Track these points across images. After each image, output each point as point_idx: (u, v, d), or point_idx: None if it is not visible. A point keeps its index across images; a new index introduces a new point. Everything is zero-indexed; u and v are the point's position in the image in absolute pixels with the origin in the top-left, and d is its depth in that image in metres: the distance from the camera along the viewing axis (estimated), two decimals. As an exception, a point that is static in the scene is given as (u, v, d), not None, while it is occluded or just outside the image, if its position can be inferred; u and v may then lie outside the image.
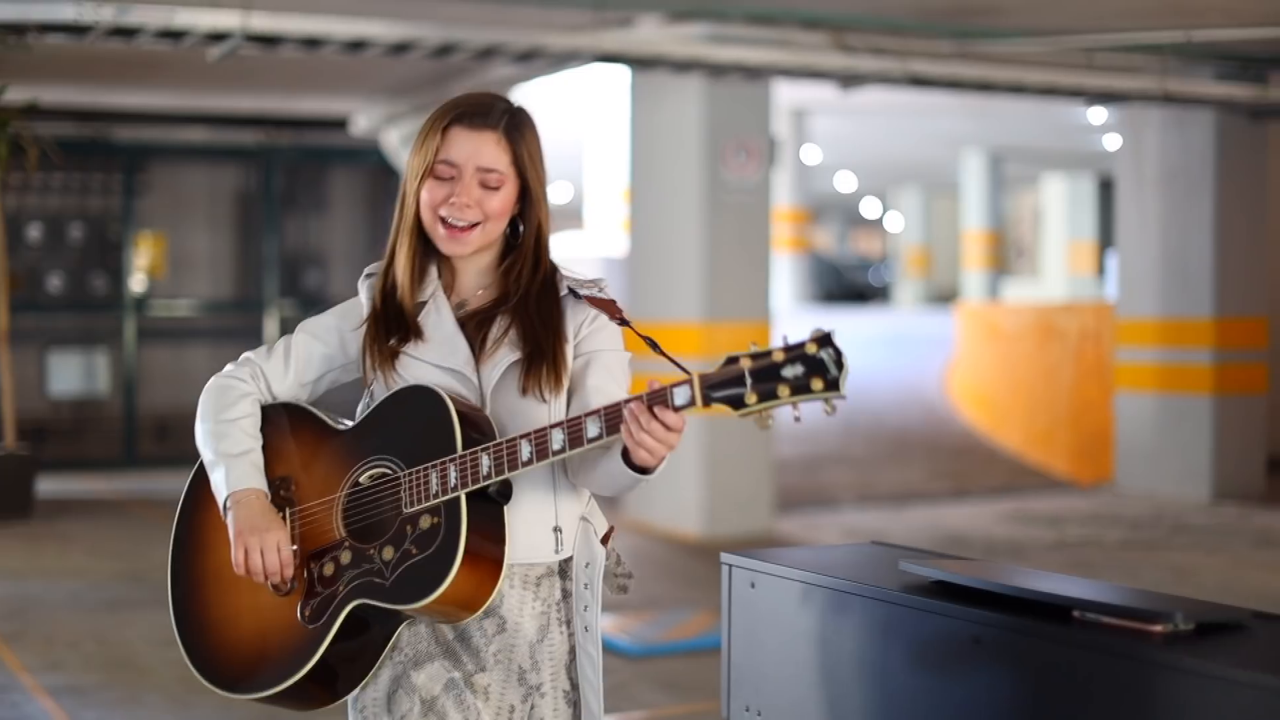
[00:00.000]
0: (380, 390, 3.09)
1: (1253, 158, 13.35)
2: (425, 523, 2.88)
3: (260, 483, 3.08)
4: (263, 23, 9.24)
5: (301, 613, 2.97)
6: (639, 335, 3.02)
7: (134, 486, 14.14)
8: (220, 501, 3.07)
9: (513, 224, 3.12)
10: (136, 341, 15.54)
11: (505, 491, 2.91)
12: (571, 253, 24.57)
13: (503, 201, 3.06)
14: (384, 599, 2.88)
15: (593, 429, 2.78)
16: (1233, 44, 11.87)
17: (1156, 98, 12.26)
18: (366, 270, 3.23)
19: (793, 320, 20.89)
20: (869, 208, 45.10)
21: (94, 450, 15.47)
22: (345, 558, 2.95)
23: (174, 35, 9.33)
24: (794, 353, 2.61)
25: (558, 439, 2.81)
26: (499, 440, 2.86)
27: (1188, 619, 2.51)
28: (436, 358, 3.05)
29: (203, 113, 16.01)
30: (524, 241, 3.12)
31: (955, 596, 2.84)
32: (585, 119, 19.43)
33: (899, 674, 2.91)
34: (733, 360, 2.66)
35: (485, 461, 2.85)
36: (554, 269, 3.16)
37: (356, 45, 9.84)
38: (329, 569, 2.97)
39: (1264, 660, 2.39)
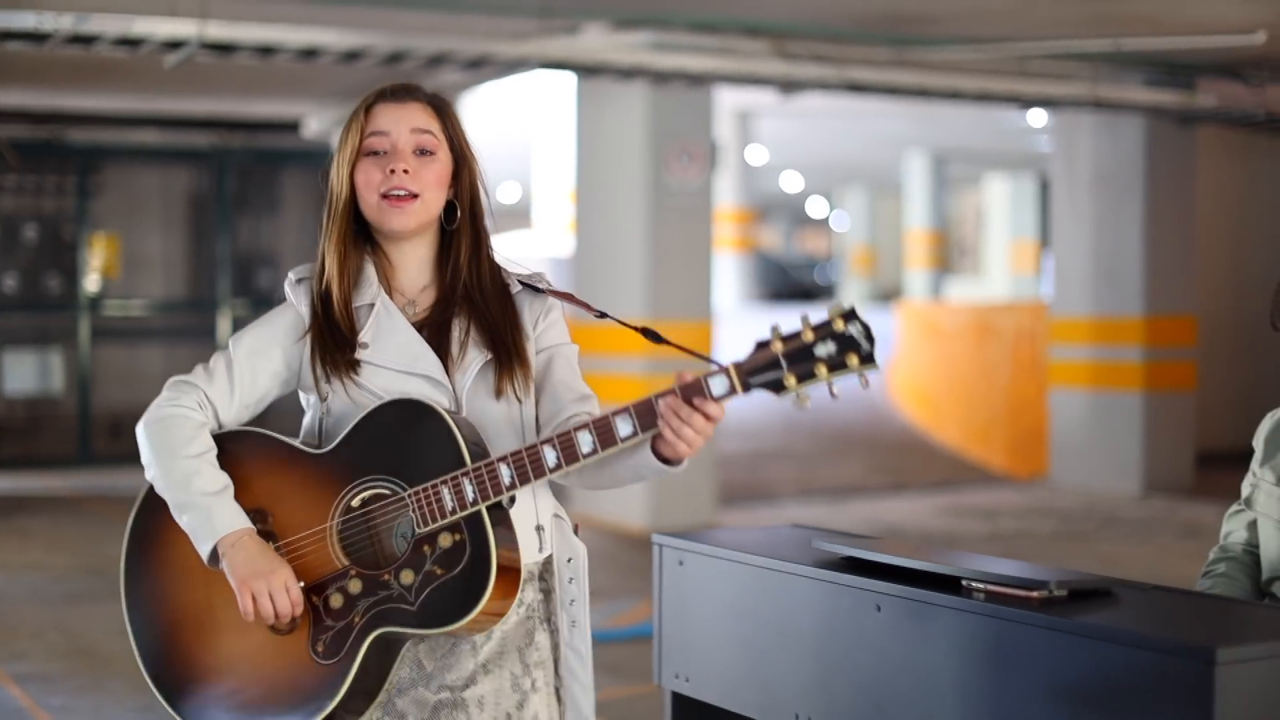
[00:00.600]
0: (342, 404, 2.94)
1: (1181, 162, 13.76)
2: (446, 541, 2.79)
3: (246, 521, 2.90)
4: (218, 31, 9.51)
5: (314, 648, 2.84)
6: (636, 330, 2.98)
7: (89, 484, 14.37)
8: (207, 549, 2.88)
9: (448, 212, 3.04)
10: (91, 341, 15.74)
11: (512, 498, 2.84)
12: (519, 252, 24.81)
13: (438, 174, 2.99)
14: (412, 624, 2.78)
15: (624, 427, 2.73)
16: (1161, 52, 12.25)
17: (1087, 104, 12.65)
18: (294, 275, 3.06)
19: (738, 319, 21.24)
20: (815, 207, 45.52)
21: (49, 449, 15.67)
22: (355, 587, 2.82)
23: (131, 43, 9.58)
24: (824, 331, 2.62)
25: (586, 441, 2.74)
26: (518, 449, 2.78)
27: (1061, 586, 2.84)
28: (402, 364, 2.93)
29: (156, 115, 16.22)
30: (460, 221, 3.04)
31: (860, 570, 3.16)
32: (533, 121, 19.71)
33: (811, 639, 3.23)
34: (763, 345, 2.65)
35: (505, 472, 2.76)
36: (497, 265, 3.10)
37: (309, 53, 10.11)
38: (336, 600, 2.84)
39: (1124, 619, 2.72)
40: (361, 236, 3.04)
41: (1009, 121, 21.37)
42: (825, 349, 2.61)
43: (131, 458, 12.46)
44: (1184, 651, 2.47)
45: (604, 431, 2.73)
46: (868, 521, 11.84)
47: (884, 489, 13.82)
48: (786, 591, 3.30)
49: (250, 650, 2.88)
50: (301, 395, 3.06)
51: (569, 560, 3.02)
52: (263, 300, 16.07)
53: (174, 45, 9.69)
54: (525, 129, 20.24)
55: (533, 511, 2.99)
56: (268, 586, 2.83)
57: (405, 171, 2.94)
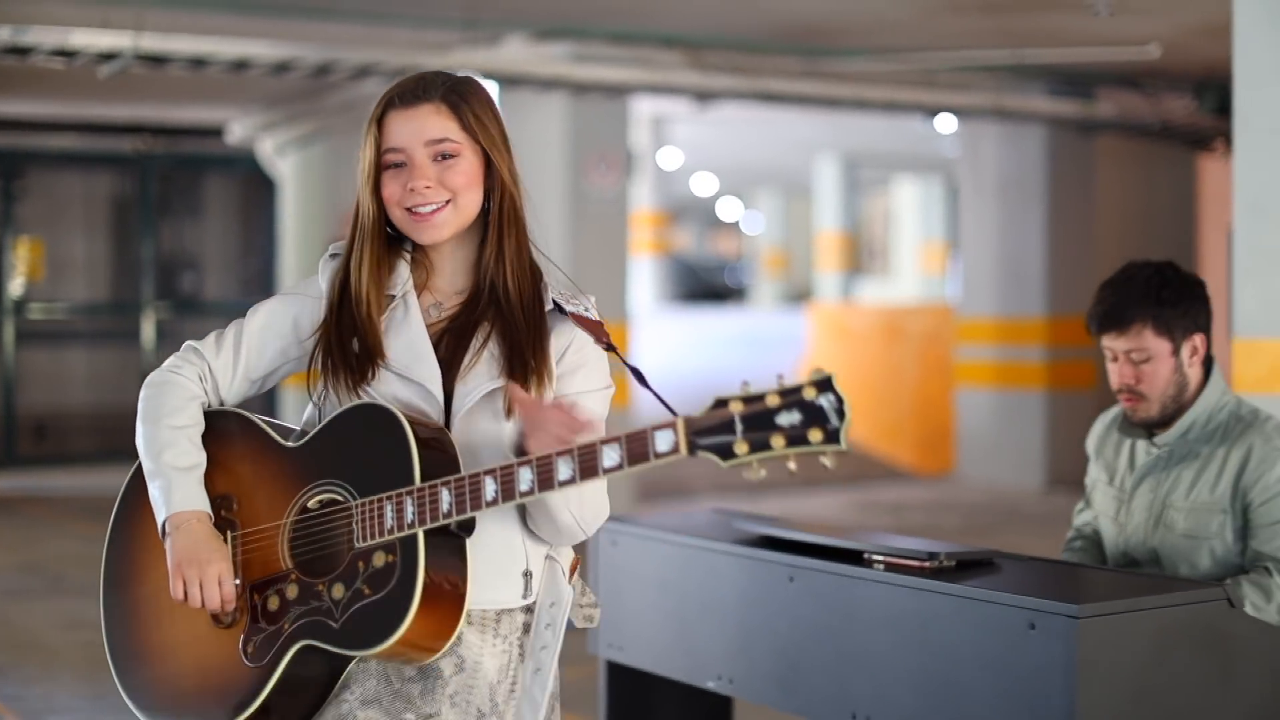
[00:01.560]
0: (333, 400, 2.82)
1: (1081, 169, 14.29)
2: (379, 560, 2.64)
3: (204, 503, 2.80)
4: (153, 43, 9.80)
5: (244, 649, 2.73)
6: (625, 364, 2.84)
7: (14, 485, 14.56)
8: (160, 521, 2.80)
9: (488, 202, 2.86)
10: (15, 344, 15.93)
11: (468, 525, 2.68)
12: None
13: (466, 173, 2.80)
14: (333, 642, 2.66)
15: (564, 471, 2.54)
16: (1062, 65, 12.77)
17: (991, 113, 13.14)
18: (331, 249, 2.93)
19: (654, 321, 21.66)
20: (726, 209, 46.01)
21: (-27, 451, 15.89)
22: (291, 592, 2.71)
23: (68, 54, 9.86)
24: (790, 398, 2.40)
25: (525, 478, 2.57)
26: (461, 474, 2.62)
27: (950, 557, 3.26)
28: (400, 365, 2.79)
29: (80, 121, 16.43)
30: (492, 219, 2.85)
31: (775, 547, 3.57)
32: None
33: (731, 609, 3.63)
34: (722, 403, 2.44)
35: (445, 497, 2.61)
36: (539, 273, 2.91)
37: (240, 65, 10.42)
38: (274, 603, 2.72)
39: (1002, 583, 3.14)
40: (397, 238, 2.89)
41: (917, 127, 21.88)
42: (788, 418, 2.39)
43: (55, 459, 12.68)
44: (1052, 607, 2.89)
45: (543, 472, 2.56)
46: (781, 515, 12.24)
47: (796, 485, 14.26)
48: (709, 567, 3.70)
49: (192, 637, 2.78)
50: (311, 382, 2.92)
51: (550, 605, 2.82)
52: (186, 303, 16.37)
53: (109, 57, 9.98)
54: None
55: (521, 554, 2.80)
56: (199, 575, 2.73)
57: (427, 187, 2.77)
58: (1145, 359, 3.83)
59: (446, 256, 2.87)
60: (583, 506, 2.74)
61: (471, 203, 2.81)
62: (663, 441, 2.46)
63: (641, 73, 11.57)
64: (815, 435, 2.37)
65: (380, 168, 2.80)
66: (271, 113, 15.27)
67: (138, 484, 2.87)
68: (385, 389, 2.77)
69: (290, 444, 2.79)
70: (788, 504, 13.04)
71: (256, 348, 2.91)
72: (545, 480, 2.55)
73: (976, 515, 12.53)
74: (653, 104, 19.48)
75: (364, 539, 2.65)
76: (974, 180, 14.61)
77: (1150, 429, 3.92)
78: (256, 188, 16.99)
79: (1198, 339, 3.88)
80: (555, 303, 2.86)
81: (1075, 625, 2.84)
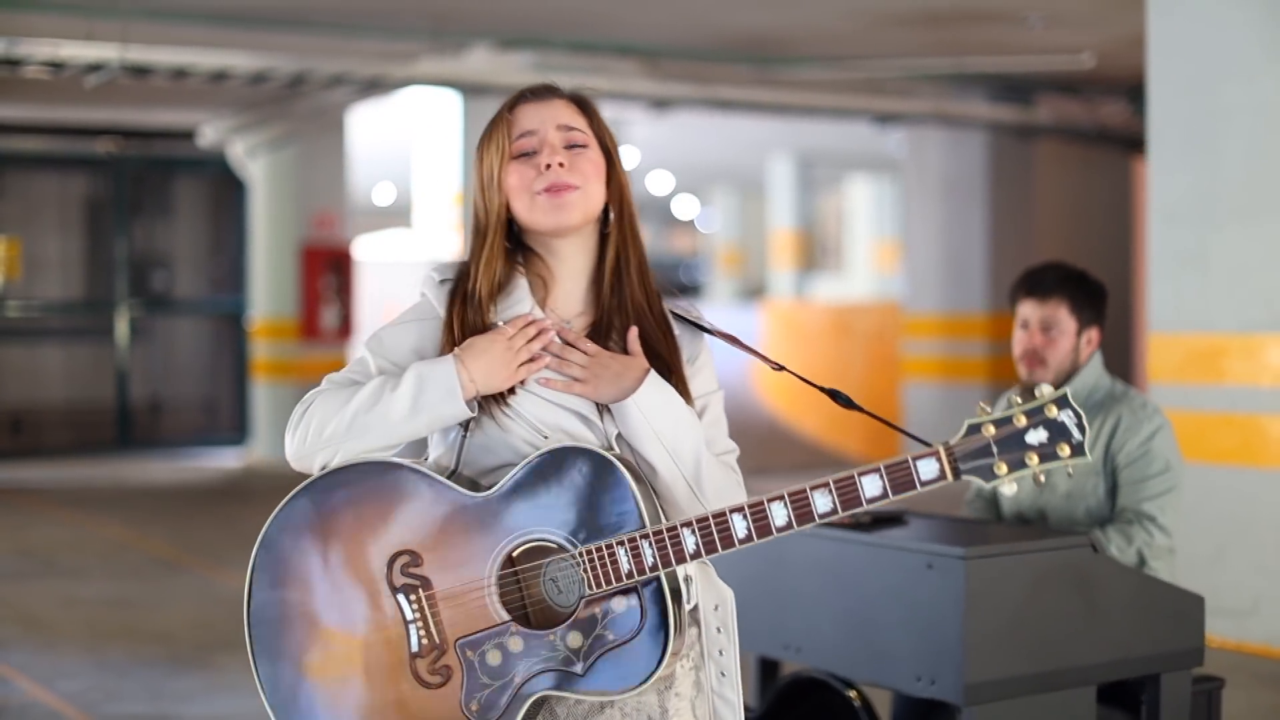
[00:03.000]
0: (489, 430, 2.72)
1: (1020, 171, 14.96)
2: (620, 605, 2.60)
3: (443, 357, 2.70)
4: (137, 55, 10.36)
5: (467, 706, 2.64)
6: (824, 391, 3.01)
7: (-4, 476, 15.11)
8: (457, 401, 2.66)
9: (605, 213, 2.81)
10: (-7, 340, 16.48)
11: None
12: (400, 253, 25.62)
13: (594, 163, 2.76)
14: (580, 689, 2.61)
15: (823, 503, 2.57)
16: (999, 72, 13.42)
17: (934, 118, 13.79)
18: (436, 275, 2.82)
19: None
20: (682, 208, 46.62)
21: (-49, 444, 16.41)
22: (514, 645, 2.62)
23: (57, 66, 10.41)
24: (1036, 418, 2.51)
25: (780, 514, 2.58)
26: (704, 514, 2.59)
27: (866, 515, 3.87)
28: (556, 395, 2.72)
29: (55, 124, 16.94)
30: (614, 227, 2.80)
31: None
32: (413, 126, 20.58)
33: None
34: (975, 428, 2.52)
35: (690, 539, 2.58)
36: (653, 281, 2.86)
37: (220, 75, 10.98)
38: (494, 657, 2.63)
39: (909, 535, 3.76)
40: (514, 252, 2.82)
41: (868, 127, 22.54)
42: (1036, 436, 2.50)
43: (31, 452, 13.33)
44: (945, 551, 3.51)
45: (800, 507, 2.57)
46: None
47: (748, 473, 14.75)
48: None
49: (396, 700, 2.67)
50: None
51: (715, 608, 2.81)
52: (157, 300, 16.95)
53: (95, 68, 10.52)
54: (403, 134, 21.08)
55: None
56: (515, 348, 2.68)
57: (561, 165, 2.72)
58: (1053, 330, 4.46)
59: (567, 262, 2.80)
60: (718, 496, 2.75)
61: (597, 196, 2.76)
62: (927, 470, 2.52)
63: (600, 81, 12.15)
64: (1064, 450, 2.48)
65: (509, 157, 2.75)
66: (242, 116, 15.80)
67: (273, 547, 2.70)
68: (544, 417, 2.71)
69: (477, 494, 2.64)
70: (741, 492, 13.63)
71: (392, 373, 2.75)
72: (803, 515, 2.56)
73: (918, 503, 13.12)
74: (611, 107, 20.11)
75: (597, 585, 2.59)
76: (919, 181, 15.26)
77: None
78: (226, 189, 17.52)
79: (1094, 331, 4.52)
80: (674, 314, 2.86)
81: (963, 565, 3.46)
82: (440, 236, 19.40)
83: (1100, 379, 4.55)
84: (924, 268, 15.14)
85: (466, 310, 2.73)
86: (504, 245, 2.76)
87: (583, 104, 2.80)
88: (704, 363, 2.86)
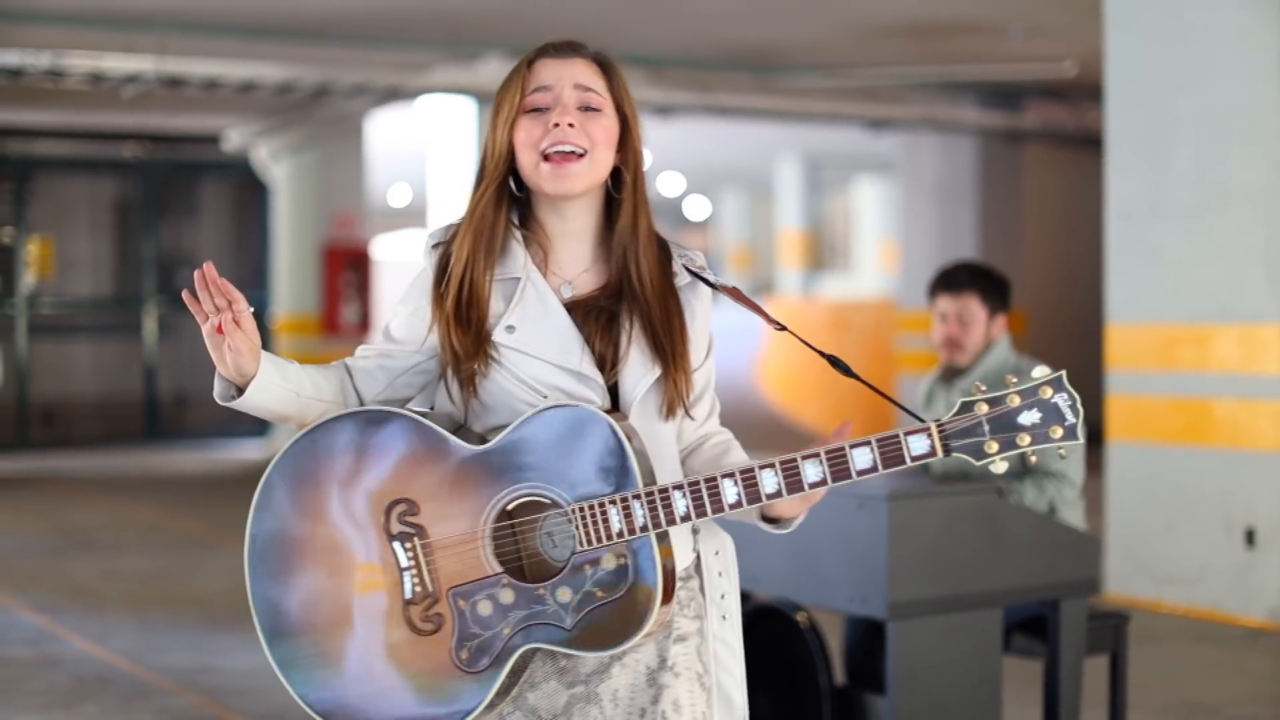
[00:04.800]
0: (492, 390, 2.71)
1: (1009, 174, 15.67)
2: (609, 563, 2.62)
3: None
4: (174, 66, 11.08)
5: (456, 655, 2.67)
6: (824, 356, 2.93)
7: (26, 466, 15.86)
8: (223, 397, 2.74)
9: (615, 177, 2.78)
10: (28, 336, 17.19)
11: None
12: (415, 253, 26.19)
13: (606, 129, 2.72)
14: (567, 644, 2.64)
15: (813, 473, 2.59)
16: (986, 80, 14.12)
17: (925, 124, 14.49)
18: (430, 239, 2.82)
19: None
20: (693, 208, 47.21)
21: (-13, 435, 17.15)
22: (506, 597, 2.64)
23: (97, 78, 11.14)
24: (1029, 398, 2.53)
25: (770, 481, 2.59)
26: (696, 478, 2.59)
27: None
28: (550, 354, 2.70)
29: (86, 129, 17.65)
30: (627, 192, 2.76)
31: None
32: (429, 129, 21.25)
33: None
34: (967, 406, 2.55)
35: (680, 502, 2.59)
36: (666, 248, 2.83)
37: (248, 86, 11.70)
38: (485, 608, 2.65)
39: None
40: (512, 208, 2.79)
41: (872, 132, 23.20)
42: (1029, 417, 2.53)
43: (64, 443, 14.11)
44: (874, 493, 4.25)
45: (790, 475, 2.58)
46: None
47: (750, 463, 15.54)
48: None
49: (387, 646, 2.70)
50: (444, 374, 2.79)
51: (716, 553, 2.85)
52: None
53: (132, 79, 11.24)
54: (420, 136, 21.73)
55: None
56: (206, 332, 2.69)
57: (570, 125, 2.70)
58: (967, 320, 5.17)
59: (570, 223, 2.78)
60: None
61: (604, 162, 2.73)
62: (918, 446, 2.55)
63: (606, 89, 12.83)
64: (1056, 432, 2.52)
65: (520, 111, 2.72)
66: (266, 122, 16.50)
67: (274, 489, 2.78)
68: (543, 378, 2.71)
69: (475, 446, 2.67)
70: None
71: (411, 339, 2.81)
72: (793, 483, 2.57)
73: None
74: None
75: (588, 543, 2.60)
76: (913, 183, 15.97)
77: (958, 375, 5.25)
78: (249, 191, 18.23)
79: (1002, 317, 5.24)
80: (690, 271, 2.84)
81: (887, 505, 4.17)
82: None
83: (1008, 357, 5.25)
84: (917, 266, 15.79)
85: (456, 266, 2.73)
86: (497, 196, 2.74)
87: (605, 66, 2.77)
88: (700, 329, 2.82)
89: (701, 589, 2.81)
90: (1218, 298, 8.29)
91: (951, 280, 5.29)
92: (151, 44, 11.00)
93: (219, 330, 2.66)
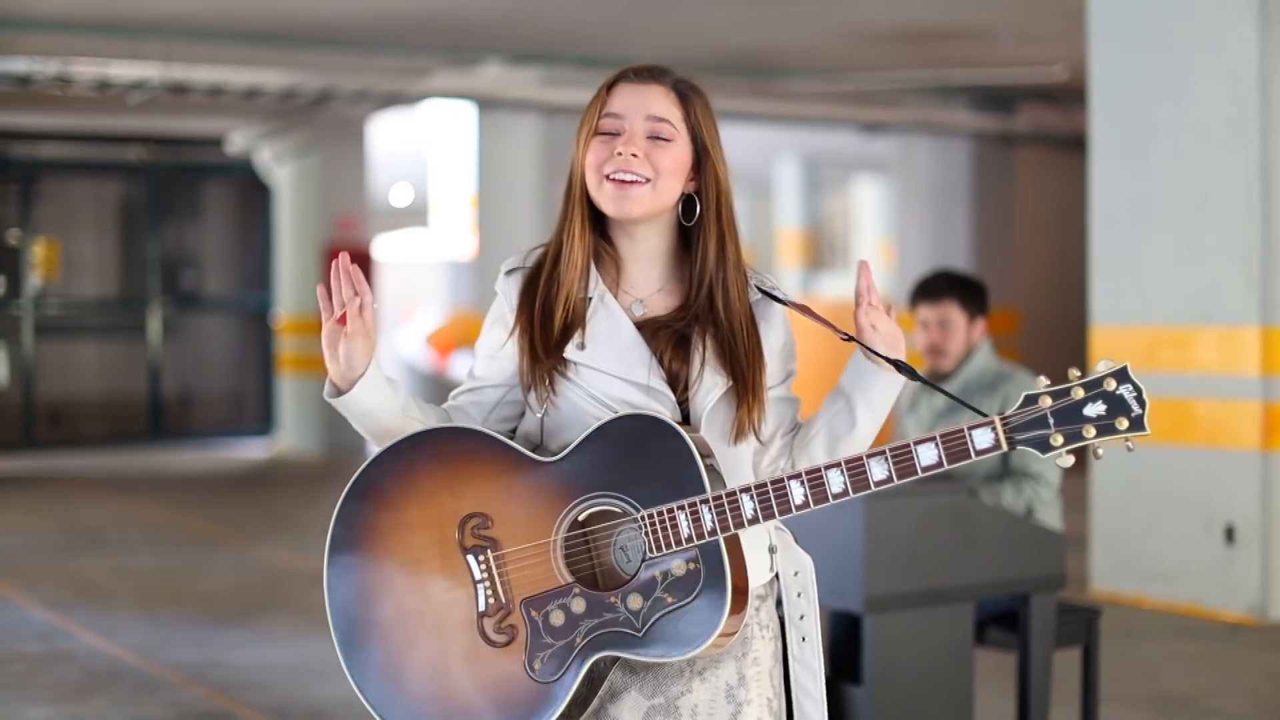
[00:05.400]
0: (563, 407, 2.77)
1: (1003, 176, 15.88)
2: (679, 569, 2.63)
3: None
4: (179, 73, 11.29)
5: (530, 665, 2.68)
6: (893, 362, 2.88)
7: (32, 465, 16.09)
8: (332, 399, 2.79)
9: (687, 205, 2.81)
10: (34, 336, 17.39)
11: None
12: (416, 253, 26.40)
13: (674, 159, 2.76)
14: (638, 651, 2.65)
15: (879, 471, 2.62)
16: (980, 84, 14.33)
17: (919, 127, 14.70)
18: (506, 267, 2.87)
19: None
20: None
21: (-5, 434, 17.38)
22: (578, 606, 2.66)
23: (105, 85, 11.35)
24: (1094, 390, 2.54)
25: (837, 481, 2.63)
26: (763, 481, 2.62)
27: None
28: (619, 369, 2.75)
29: (91, 132, 17.84)
30: (703, 220, 2.80)
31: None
32: (429, 131, 21.47)
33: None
34: (1032, 399, 2.56)
35: (749, 504, 2.62)
36: (745, 275, 2.85)
37: (253, 92, 11.91)
38: (557, 618, 2.67)
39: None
40: (594, 229, 2.84)
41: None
42: (1095, 409, 2.54)
43: (69, 442, 14.38)
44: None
45: (856, 474, 2.63)
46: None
47: (747, 462, 15.73)
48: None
49: (462, 657, 2.72)
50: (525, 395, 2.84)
51: (795, 574, 2.86)
52: (188, 298, 17.89)
53: (138, 85, 11.45)
54: (421, 137, 21.95)
55: (764, 531, 2.82)
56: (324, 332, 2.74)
57: (634, 155, 2.73)
58: (948, 326, 5.39)
59: (638, 244, 2.83)
60: None
61: (670, 191, 2.78)
62: (982, 439, 2.57)
63: (604, 94, 13.03)
64: (1122, 424, 2.53)
65: (594, 133, 2.76)
66: (269, 125, 16.71)
67: (356, 501, 2.79)
68: (613, 393, 2.75)
69: (545, 459, 2.71)
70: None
71: (493, 373, 2.87)
72: (859, 482, 2.62)
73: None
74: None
75: (658, 549, 2.63)
76: (908, 185, 16.18)
77: (943, 380, 5.48)
78: (253, 193, 18.42)
79: (981, 322, 5.45)
80: (761, 290, 2.90)
81: (864, 504, 4.39)
82: (455, 236, 20.34)
83: (990, 361, 5.46)
84: (912, 267, 15.98)
85: (549, 286, 2.79)
86: (580, 217, 2.79)
87: (683, 95, 2.79)
88: (774, 346, 2.89)
89: (779, 609, 2.84)
90: (1198, 301, 8.48)
91: (930, 289, 5.51)
92: (157, 51, 11.20)
93: (341, 321, 2.70)
